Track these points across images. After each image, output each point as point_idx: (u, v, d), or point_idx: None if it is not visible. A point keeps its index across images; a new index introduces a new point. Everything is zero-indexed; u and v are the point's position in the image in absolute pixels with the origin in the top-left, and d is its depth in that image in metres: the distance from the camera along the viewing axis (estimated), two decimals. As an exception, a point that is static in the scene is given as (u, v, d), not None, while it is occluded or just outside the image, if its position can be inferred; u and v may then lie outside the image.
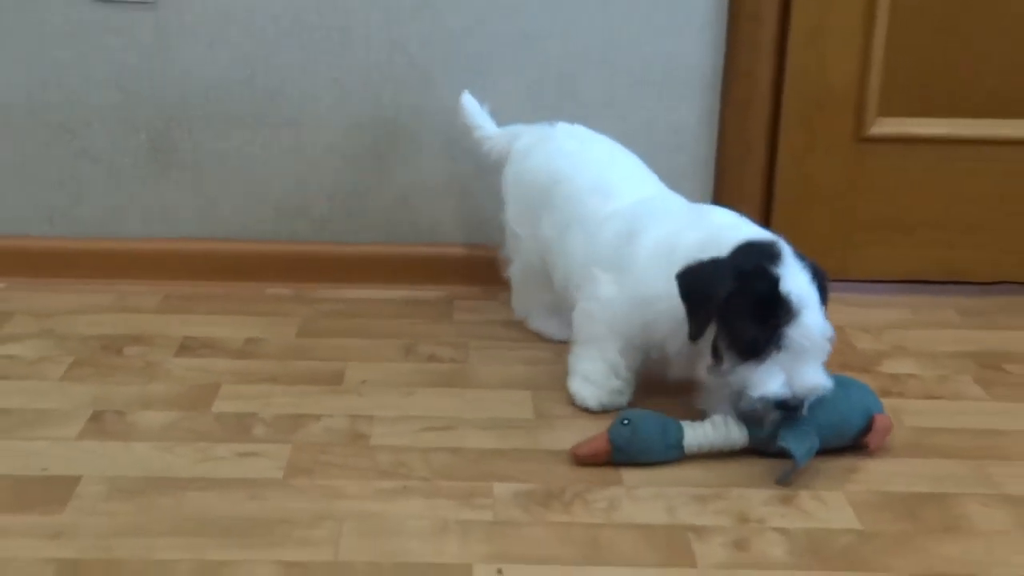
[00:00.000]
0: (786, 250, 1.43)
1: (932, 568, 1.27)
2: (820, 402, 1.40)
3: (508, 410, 1.64)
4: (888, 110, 2.00)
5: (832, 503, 1.40)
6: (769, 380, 1.37)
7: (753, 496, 1.41)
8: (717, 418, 1.44)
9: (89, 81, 1.95)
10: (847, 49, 1.97)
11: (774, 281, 1.37)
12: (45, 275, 2.03)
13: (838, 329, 1.84)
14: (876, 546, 1.31)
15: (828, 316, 1.44)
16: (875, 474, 1.47)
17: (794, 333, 1.35)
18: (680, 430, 1.42)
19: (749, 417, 1.43)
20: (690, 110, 2.00)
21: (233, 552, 1.29)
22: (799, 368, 1.37)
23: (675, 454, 1.42)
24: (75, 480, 1.43)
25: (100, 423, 1.58)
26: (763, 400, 1.38)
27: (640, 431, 1.40)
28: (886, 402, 1.60)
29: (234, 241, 2.03)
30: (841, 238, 2.04)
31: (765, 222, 2.02)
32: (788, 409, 1.38)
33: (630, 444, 1.39)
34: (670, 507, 1.38)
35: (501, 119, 1.91)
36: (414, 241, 2.04)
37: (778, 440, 1.40)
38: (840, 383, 1.43)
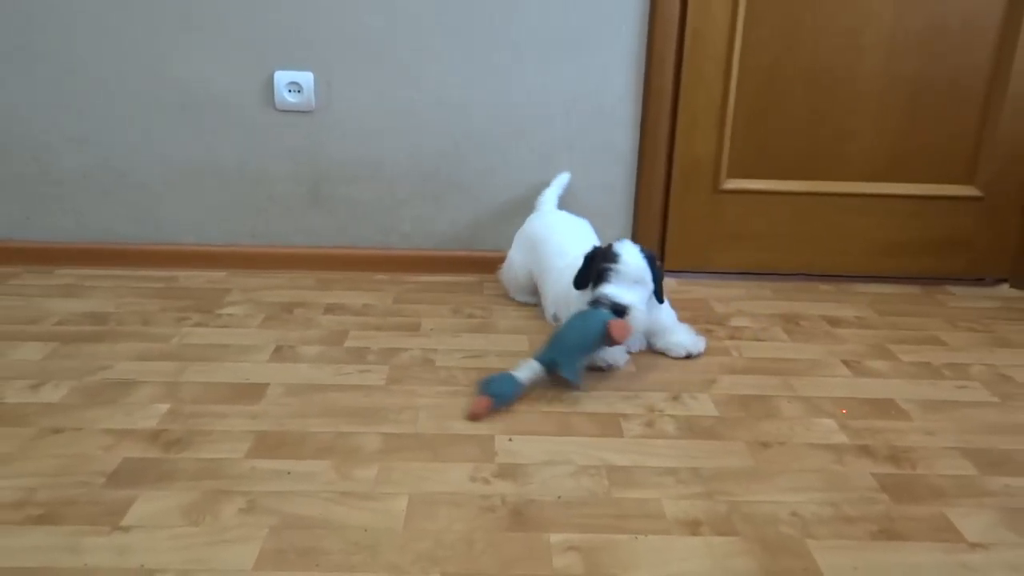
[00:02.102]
0: (628, 243, 1.50)
1: (758, 438, 1.28)
2: (569, 328, 1.44)
3: (514, 345, 1.63)
4: (732, 173, 1.99)
5: (701, 400, 1.41)
6: (607, 289, 1.44)
7: (656, 396, 1.42)
8: (526, 363, 1.41)
9: (274, 155, 1.95)
10: (709, 137, 1.96)
11: (611, 248, 1.46)
12: (249, 267, 2.03)
13: (702, 300, 1.86)
14: (727, 425, 1.32)
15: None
16: (726, 383, 1.48)
17: (617, 267, 1.43)
18: (516, 378, 1.39)
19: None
20: (617, 174, 1.98)
21: (354, 427, 1.29)
22: (623, 288, 1.45)
23: (521, 390, 1.39)
24: (265, 385, 1.44)
25: (280, 353, 1.57)
26: (607, 299, 1.44)
27: (501, 385, 1.37)
28: (732, 343, 1.61)
29: (354, 248, 2.02)
30: (706, 246, 2.03)
31: (662, 238, 2.02)
32: (617, 310, 1.43)
33: (500, 395, 1.36)
34: (608, 402, 1.39)
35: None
36: (458, 247, 2.03)
37: (558, 368, 1.40)
38: (582, 315, 1.45)
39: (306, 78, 1.90)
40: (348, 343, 1.62)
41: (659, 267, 1.52)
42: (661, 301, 1.55)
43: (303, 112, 1.93)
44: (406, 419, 1.32)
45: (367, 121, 1.94)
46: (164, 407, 1.35)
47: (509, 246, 1.95)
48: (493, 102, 1.92)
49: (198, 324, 1.70)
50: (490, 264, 2.03)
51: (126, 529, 1.04)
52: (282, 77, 1.91)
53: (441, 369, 1.51)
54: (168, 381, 1.44)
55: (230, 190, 1.98)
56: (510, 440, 1.26)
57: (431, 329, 1.70)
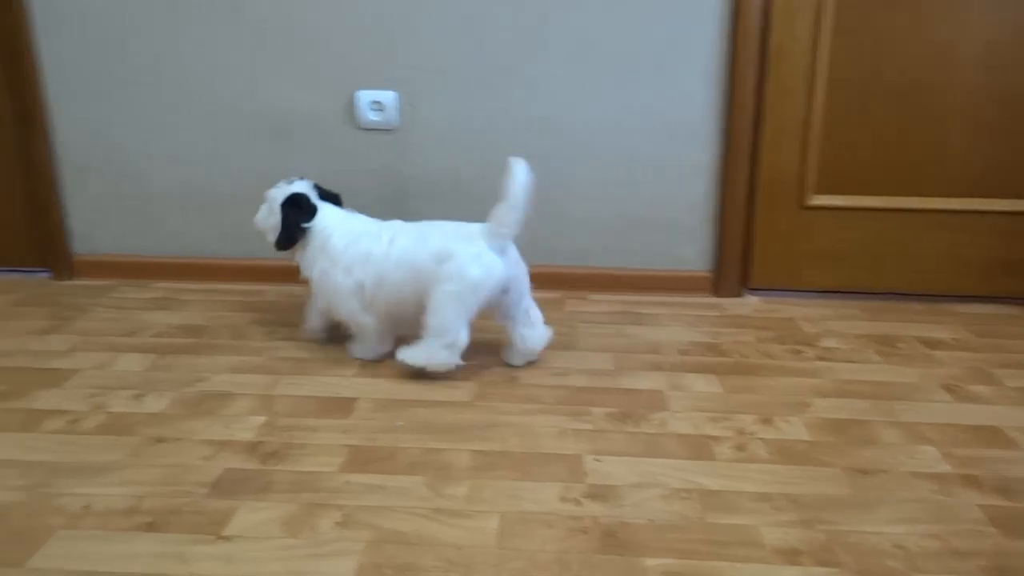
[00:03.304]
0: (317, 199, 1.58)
1: (856, 465, 1.25)
2: None
3: (599, 364, 1.63)
4: (819, 189, 1.95)
5: (793, 424, 1.39)
6: None
7: (745, 419, 1.40)
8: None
9: (357, 172, 2.00)
10: (794, 153, 1.93)
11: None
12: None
13: (790, 320, 1.82)
14: (822, 450, 1.30)
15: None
16: (819, 407, 1.45)
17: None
18: None
19: None
20: (698, 190, 1.97)
21: (443, 443, 1.31)
22: None
23: None
24: (353, 400, 1.47)
25: (368, 368, 1.60)
26: None
27: None
28: (823, 365, 1.58)
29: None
30: (792, 264, 2.00)
31: (747, 255, 1.99)
32: None
33: None
34: (695, 424, 1.38)
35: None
36: (537, 263, 2.03)
37: None
38: None
39: (389, 97, 1.95)
40: (433, 359, 1.63)
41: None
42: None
43: (386, 130, 1.97)
44: (494, 437, 1.34)
45: (449, 139, 1.97)
46: (260, 419, 1.39)
47: (589, 262, 1.95)
48: (574, 119, 1.93)
49: (286, 338, 1.75)
50: (569, 280, 2.03)
51: (229, 539, 1.07)
52: (365, 96, 1.95)
53: (526, 387, 1.52)
54: (262, 394, 1.49)
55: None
56: (598, 460, 1.26)
57: (514, 346, 1.71)
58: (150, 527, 1.10)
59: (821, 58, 1.87)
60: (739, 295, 2.02)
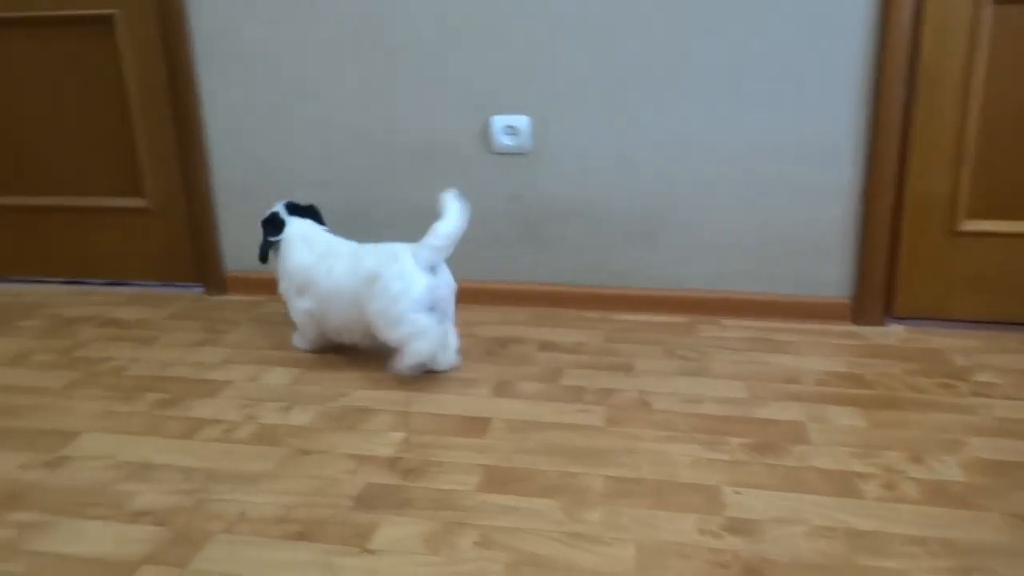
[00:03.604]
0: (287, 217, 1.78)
1: (1018, 511, 1.17)
2: None
3: (732, 392, 1.60)
4: (973, 213, 1.85)
5: (946, 463, 1.32)
6: None
7: (893, 456, 1.34)
8: None
9: (491, 195, 2.05)
10: (944, 175, 1.84)
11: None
12: (466, 302, 2.11)
13: (939, 352, 1.73)
14: (979, 493, 1.23)
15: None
16: (975, 446, 1.37)
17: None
18: None
19: None
20: (839, 212, 1.91)
21: (578, 468, 1.31)
22: None
23: None
24: (488, 420, 1.49)
25: (500, 388, 1.63)
26: None
27: None
28: (979, 401, 1.49)
29: (566, 285, 2.06)
30: (941, 292, 1.90)
31: (890, 281, 1.91)
32: None
33: None
34: (838, 459, 1.33)
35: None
36: (669, 287, 2.02)
37: None
38: None
39: (522, 122, 1.98)
40: (564, 381, 1.65)
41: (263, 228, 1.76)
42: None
43: (519, 154, 2.01)
44: (628, 463, 1.33)
45: (582, 162, 1.98)
46: (399, 435, 1.44)
47: (722, 286, 1.92)
48: (709, 141, 1.91)
49: (422, 356, 1.79)
50: (700, 304, 2.00)
51: (374, 552, 1.12)
52: (499, 121, 1.99)
53: (658, 413, 1.51)
54: (399, 410, 1.54)
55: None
56: (737, 492, 1.24)
57: (644, 370, 1.70)
58: (300, 536, 1.16)
59: (977, 74, 1.77)
60: (882, 324, 1.93)
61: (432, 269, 1.60)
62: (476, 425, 1.47)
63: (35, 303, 2.22)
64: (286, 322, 2.01)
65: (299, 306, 1.76)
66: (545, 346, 1.85)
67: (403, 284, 1.57)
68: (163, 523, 1.20)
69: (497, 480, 1.29)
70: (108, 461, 1.38)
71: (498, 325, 1.98)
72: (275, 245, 1.78)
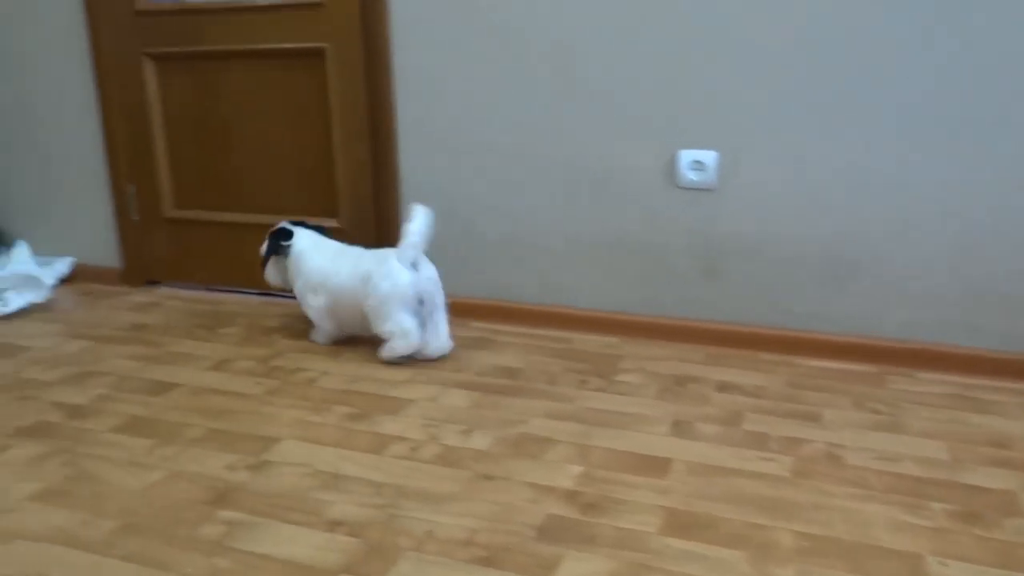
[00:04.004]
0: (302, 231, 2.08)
1: None
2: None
3: (932, 452, 1.50)
4: None
5: None
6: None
7: None
8: None
9: (672, 229, 2.03)
10: None
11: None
12: (640, 335, 2.11)
13: None
14: None
15: None
16: None
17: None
18: None
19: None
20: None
21: (765, 520, 1.27)
22: None
23: None
24: (668, 460, 1.47)
25: (678, 428, 1.61)
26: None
27: None
28: None
29: (746, 325, 2.01)
30: None
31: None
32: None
33: None
34: (1062, 539, 1.21)
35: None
36: (857, 333, 1.92)
37: None
38: None
39: (710, 157, 1.96)
40: (746, 426, 1.61)
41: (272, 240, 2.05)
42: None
43: (704, 190, 1.98)
44: (820, 519, 1.27)
45: (768, 199, 1.93)
46: (577, 469, 1.45)
47: (919, 336, 1.81)
48: (907, 178, 1.82)
49: (598, 389, 1.80)
50: (892, 354, 1.90)
51: (558, 586, 1.12)
52: (686, 156, 1.98)
53: (851, 468, 1.44)
54: (578, 443, 1.54)
55: (627, 261, 2.09)
56: (944, 564, 1.15)
57: (833, 421, 1.63)
58: (486, 562, 1.18)
59: None
60: (1106, 389, 1.75)
61: (415, 266, 1.87)
62: (655, 464, 1.46)
63: (234, 312, 2.40)
64: (463, 344, 2.06)
65: (314, 304, 2.02)
66: (723, 387, 1.80)
67: (390, 282, 1.85)
68: (357, 535, 1.26)
69: (680, 524, 1.26)
70: (305, 469, 1.47)
71: (673, 362, 1.95)
72: (286, 253, 2.05)
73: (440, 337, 1.94)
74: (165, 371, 1.95)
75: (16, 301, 2.41)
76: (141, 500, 1.37)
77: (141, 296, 2.57)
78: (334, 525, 1.28)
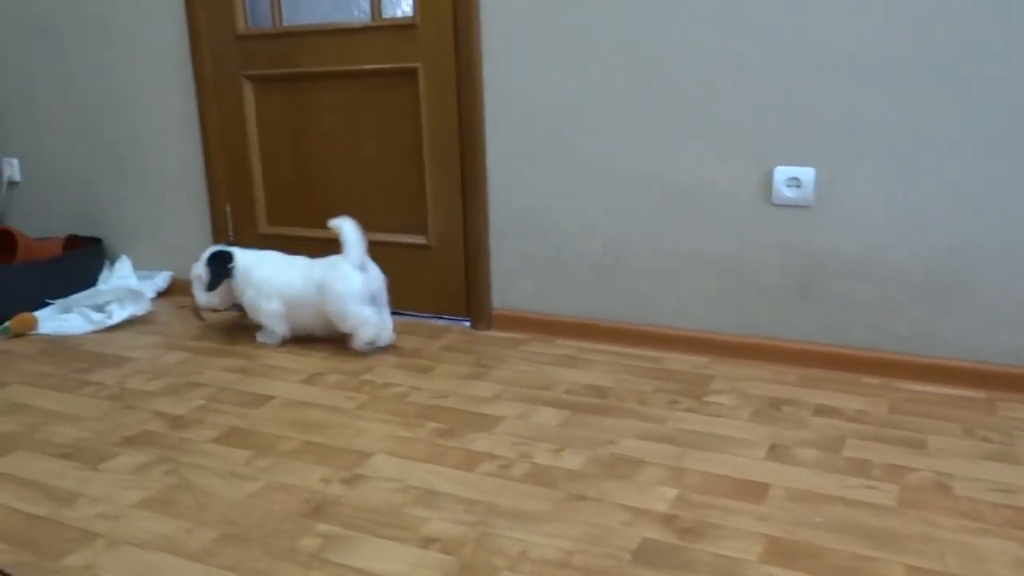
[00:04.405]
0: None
1: None
2: None
3: (1053, 486, 1.41)
4: None
5: None
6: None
7: None
8: None
9: (766, 248, 1.99)
10: None
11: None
12: (731, 355, 2.07)
13: None
14: None
15: None
16: None
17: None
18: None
19: None
20: None
21: (872, 551, 1.23)
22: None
23: None
24: (766, 486, 1.43)
25: (775, 452, 1.56)
26: None
27: None
28: None
29: (843, 347, 1.95)
30: None
31: None
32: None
33: None
34: None
35: None
36: (965, 358, 1.84)
37: None
38: None
39: (806, 173, 1.91)
40: (847, 452, 1.55)
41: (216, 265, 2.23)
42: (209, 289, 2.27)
43: (800, 207, 1.93)
44: (931, 552, 1.22)
45: (868, 217, 1.87)
46: (672, 491, 1.42)
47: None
48: (1019, 195, 1.73)
49: (689, 409, 1.77)
50: (1005, 381, 1.81)
51: (658, 613, 1.09)
52: (782, 172, 1.93)
53: (962, 499, 1.37)
54: (671, 465, 1.52)
55: (718, 279, 2.05)
56: (1072, 606, 1.08)
57: (940, 449, 1.56)
58: (582, 584, 1.16)
59: None
60: None
61: (363, 268, 2.11)
62: (753, 489, 1.42)
63: (325, 326, 2.45)
64: (551, 362, 2.06)
65: (268, 308, 2.20)
66: (821, 411, 1.75)
67: (345, 284, 2.09)
68: (451, 552, 1.26)
69: (782, 553, 1.22)
70: (397, 484, 1.48)
71: (768, 383, 1.90)
72: (231, 274, 2.24)
73: (386, 331, 2.19)
74: (259, 383, 2.00)
75: (119, 313, 2.52)
76: (240, 510, 1.40)
77: (234, 309, 2.65)
78: (428, 542, 1.29)
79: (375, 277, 2.15)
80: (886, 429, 1.65)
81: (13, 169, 3.10)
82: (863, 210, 1.88)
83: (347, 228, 2.11)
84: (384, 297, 2.18)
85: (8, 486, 1.52)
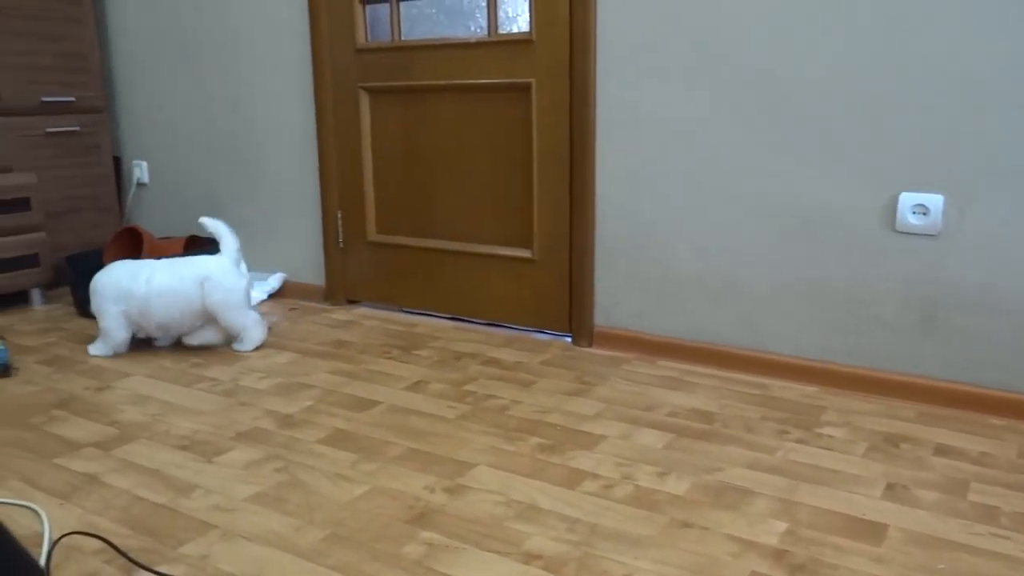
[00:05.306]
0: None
1: None
2: None
3: None
4: None
5: None
6: None
7: None
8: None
9: (885, 277, 1.91)
10: None
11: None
12: (843, 387, 2.00)
13: None
14: None
15: None
16: None
17: None
18: None
19: None
20: None
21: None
22: None
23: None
24: (884, 527, 1.37)
25: (893, 491, 1.50)
26: None
27: None
28: None
29: (968, 384, 1.85)
30: None
31: None
32: None
33: None
34: None
35: None
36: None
37: None
38: None
39: (934, 200, 1.82)
40: (972, 496, 1.47)
41: None
42: None
43: (926, 235, 1.85)
44: (1070, 613, 1.13)
45: (1001, 249, 1.77)
46: (782, 525, 1.37)
47: None
48: None
49: (799, 440, 1.71)
50: None
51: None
52: (907, 199, 1.85)
53: (1104, 557, 1.27)
54: (781, 497, 1.47)
55: (833, 307, 1.98)
56: None
57: (1077, 500, 1.45)
58: (689, 615, 1.14)
59: None
60: None
61: (238, 266, 2.24)
62: (870, 530, 1.36)
63: (427, 335, 2.49)
64: (653, 383, 2.03)
65: (112, 310, 2.20)
66: (942, 450, 1.66)
67: (233, 280, 2.19)
68: (554, 571, 1.25)
69: (903, 599, 1.16)
70: (500, 497, 1.48)
71: (883, 418, 1.82)
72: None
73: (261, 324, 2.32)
74: (365, 388, 2.04)
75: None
76: (347, 512, 1.43)
77: (341, 314, 2.72)
78: (530, 558, 1.28)
79: (246, 274, 2.28)
80: (1015, 475, 1.56)
81: (142, 171, 3.28)
82: (995, 241, 1.79)
83: (222, 228, 2.23)
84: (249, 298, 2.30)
85: (132, 473, 1.60)
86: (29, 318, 2.72)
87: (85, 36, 3.03)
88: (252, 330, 2.28)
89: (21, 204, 2.75)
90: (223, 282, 2.21)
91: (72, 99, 3.01)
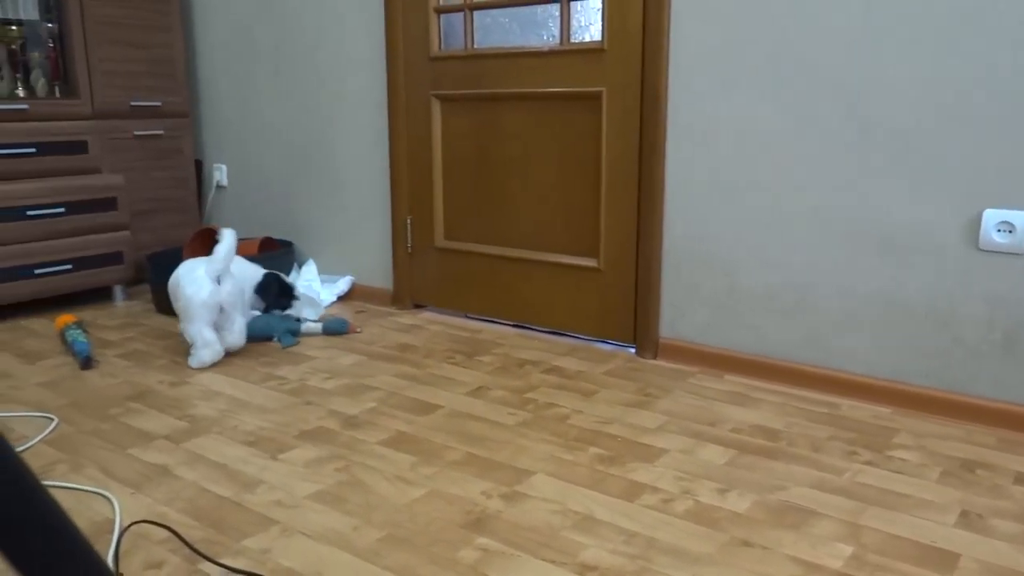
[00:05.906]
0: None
1: None
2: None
3: None
4: None
5: None
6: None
7: None
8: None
9: (967, 296, 1.85)
10: None
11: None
12: (917, 409, 1.93)
13: None
14: None
15: None
16: None
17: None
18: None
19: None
20: None
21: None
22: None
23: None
24: (956, 556, 1.32)
25: (967, 520, 1.43)
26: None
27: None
28: None
29: (1052, 411, 1.75)
30: None
31: None
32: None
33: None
34: None
35: None
36: None
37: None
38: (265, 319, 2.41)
39: (1020, 217, 1.75)
40: (1054, 530, 1.39)
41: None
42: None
43: (1011, 254, 1.77)
44: None
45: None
46: (847, 549, 1.33)
47: None
48: None
49: (869, 463, 1.65)
50: None
51: None
52: (992, 216, 1.78)
53: None
54: (847, 520, 1.42)
55: (909, 326, 1.91)
56: None
57: None
58: (746, 636, 1.11)
59: None
60: None
61: (218, 279, 2.16)
62: (941, 558, 1.30)
63: (491, 341, 2.49)
64: (717, 397, 1.99)
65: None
66: (1021, 479, 1.58)
67: (194, 288, 2.14)
68: (609, 583, 1.23)
69: (974, 633, 1.11)
70: (557, 506, 1.47)
71: (959, 443, 1.75)
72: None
73: (235, 334, 2.24)
74: (427, 392, 2.06)
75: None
76: (405, 514, 1.45)
77: (407, 318, 2.75)
78: (586, 569, 1.27)
79: (228, 292, 2.18)
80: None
81: (222, 174, 3.39)
82: (1087, 262, 1.70)
83: (226, 239, 2.18)
84: (239, 303, 2.24)
85: (200, 466, 1.65)
86: (111, 313, 2.83)
87: (173, 44, 3.15)
88: (200, 349, 2.17)
89: (108, 204, 2.87)
90: (184, 289, 2.16)
91: (159, 104, 3.13)
